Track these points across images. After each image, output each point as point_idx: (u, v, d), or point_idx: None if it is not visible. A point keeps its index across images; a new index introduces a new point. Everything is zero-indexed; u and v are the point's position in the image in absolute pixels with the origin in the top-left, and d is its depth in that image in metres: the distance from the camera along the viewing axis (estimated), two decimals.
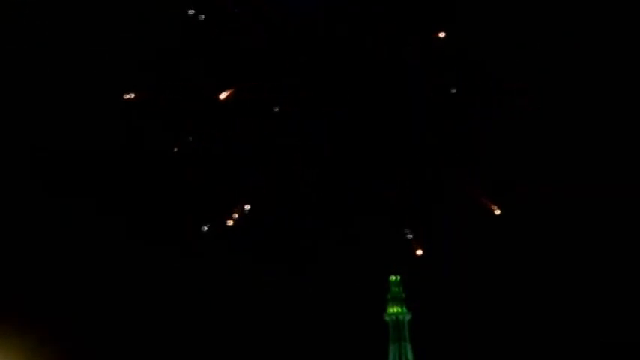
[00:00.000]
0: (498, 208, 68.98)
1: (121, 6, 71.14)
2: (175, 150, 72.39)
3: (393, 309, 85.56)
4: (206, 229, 75.00)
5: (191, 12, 68.96)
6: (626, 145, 74.07)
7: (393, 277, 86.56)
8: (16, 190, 74.74)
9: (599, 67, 71.15)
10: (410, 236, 71.05)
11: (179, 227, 78.12)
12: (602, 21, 69.80)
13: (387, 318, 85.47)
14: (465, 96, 73.51)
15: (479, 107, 74.33)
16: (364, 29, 69.90)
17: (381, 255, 79.78)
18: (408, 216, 78.01)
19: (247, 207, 71.25)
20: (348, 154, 75.32)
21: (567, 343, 78.47)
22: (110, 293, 77.30)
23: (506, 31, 69.72)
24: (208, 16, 69.96)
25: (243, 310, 79.24)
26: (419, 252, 69.82)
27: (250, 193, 75.15)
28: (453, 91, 70.25)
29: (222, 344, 79.23)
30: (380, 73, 71.81)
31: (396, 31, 69.99)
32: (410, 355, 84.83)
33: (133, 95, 70.02)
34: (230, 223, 72.62)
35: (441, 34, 68.00)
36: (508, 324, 78.76)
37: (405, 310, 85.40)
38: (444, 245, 73.52)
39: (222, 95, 68.71)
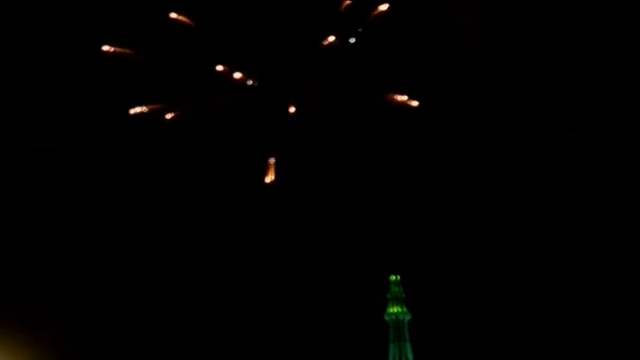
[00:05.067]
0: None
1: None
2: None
3: (393, 309, 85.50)
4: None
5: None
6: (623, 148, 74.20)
7: (393, 277, 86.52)
8: (15, 189, 74.88)
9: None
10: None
11: (177, 226, 78.36)
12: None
13: (387, 318, 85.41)
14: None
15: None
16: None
17: (381, 255, 79.86)
18: (408, 215, 78.14)
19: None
20: (346, 153, 75.41)
21: (566, 343, 78.46)
22: (110, 293, 77.42)
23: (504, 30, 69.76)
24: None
25: (243, 310, 79.30)
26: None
27: (250, 190, 75.32)
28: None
29: (222, 344, 79.26)
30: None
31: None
32: (410, 355, 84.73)
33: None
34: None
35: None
36: (508, 324, 78.76)
37: (405, 310, 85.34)
38: None
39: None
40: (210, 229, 78.76)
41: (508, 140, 74.08)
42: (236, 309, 79.34)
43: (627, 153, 73.67)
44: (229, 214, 78.34)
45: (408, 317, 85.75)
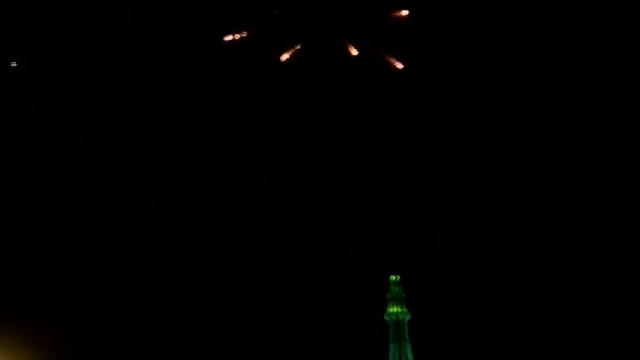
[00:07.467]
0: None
1: None
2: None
3: (393, 309, 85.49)
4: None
5: None
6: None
7: (393, 277, 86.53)
8: (15, 189, 74.78)
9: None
10: None
11: (176, 227, 78.30)
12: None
13: (387, 318, 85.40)
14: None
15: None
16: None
17: (381, 255, 79.87)
18: (408, 215, 78.11)
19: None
20: (345, 152, 75.41)
21: (567, 343, 78.45)
22: (110, 293, 77.33)
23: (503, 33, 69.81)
24: None
25: (243, 310, 79.22)
26: None
27: (250, 187, 75.30)
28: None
29: (221, 344, 79.19)
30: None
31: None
32: (410, 355, 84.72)
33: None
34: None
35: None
36: (508, 324, 78.73)
37: (405, 310, 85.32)
38: None
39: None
40: (210, 229, 78.72)
41: (508, 140, 74.12)
42: (235, 309, 79.29)
43: (628, 152, 73.73)
44: (228, 214, 78.30)
45: (408, 317, 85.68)
